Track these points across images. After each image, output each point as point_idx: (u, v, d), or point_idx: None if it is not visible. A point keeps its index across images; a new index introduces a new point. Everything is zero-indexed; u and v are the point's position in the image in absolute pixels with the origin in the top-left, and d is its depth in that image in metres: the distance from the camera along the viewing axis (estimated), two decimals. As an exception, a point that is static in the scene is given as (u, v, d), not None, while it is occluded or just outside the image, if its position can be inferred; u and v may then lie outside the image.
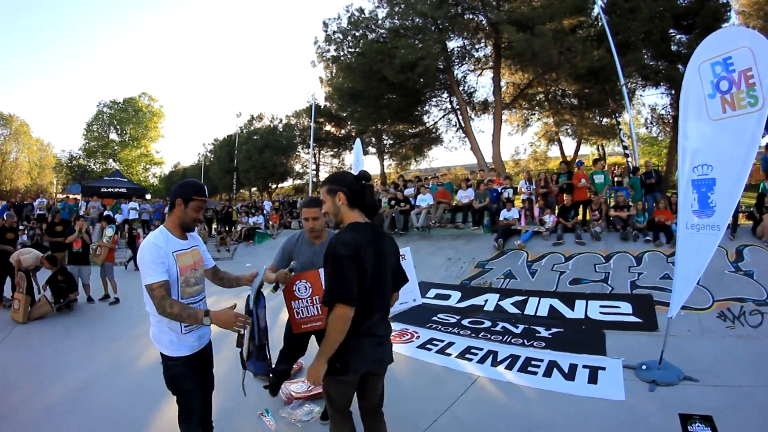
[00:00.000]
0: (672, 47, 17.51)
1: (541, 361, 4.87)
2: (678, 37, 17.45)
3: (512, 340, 5.66)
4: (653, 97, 27.78)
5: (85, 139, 45.44)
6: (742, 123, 3.92)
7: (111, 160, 44.97)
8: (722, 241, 7.44)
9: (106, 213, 15.07)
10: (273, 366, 2.71)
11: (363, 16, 20.38)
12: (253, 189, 37.15)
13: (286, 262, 3.22)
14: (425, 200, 11.70)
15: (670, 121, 20.14)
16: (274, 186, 35.67)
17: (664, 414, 3.59)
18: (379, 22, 20.37)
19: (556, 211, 10.03)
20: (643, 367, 4.46)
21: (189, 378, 2.60)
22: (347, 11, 20.57)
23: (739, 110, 3.94)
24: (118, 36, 75.08)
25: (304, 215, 3.23)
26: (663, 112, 20.96)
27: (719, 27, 17.08)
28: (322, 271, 2.77)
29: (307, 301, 3.19)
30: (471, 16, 19.28)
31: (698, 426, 3.35)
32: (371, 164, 28.83)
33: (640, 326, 5.98)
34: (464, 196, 11.58)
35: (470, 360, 4.97)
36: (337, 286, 2.08)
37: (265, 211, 18.25)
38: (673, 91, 18.52)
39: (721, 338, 5.40)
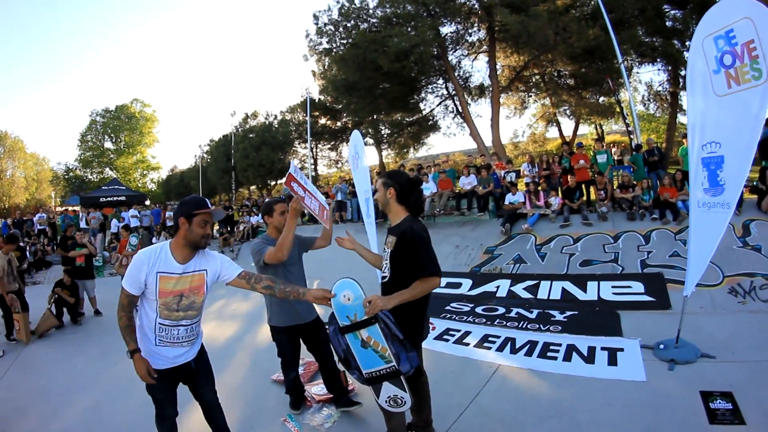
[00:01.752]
0: (667, 23, 17.34)
1: (560, 345, 4.87)
2: (672, 12, 17.26)
3: (528, 326, 5.65)
4: (650, 74, 27.53)
5: (79, 149, 45.26)
6: (747, 97, 3.81)
7: (108, 169, 44.82)
8: (729, 216, 7.49)
9: (124, 223, 15.03)
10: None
11: (354, 6, 20.12)
12: (253, 187, 37.01)
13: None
14: (428, 189, 11.60)
15: (668, 98, 20.02)
16: (273, 183, 35.50)
17: (686, 392, 3.61)
18: (371, 11, 20.13)
19: (560, 193, 10.00)
20: (661, 346, 4.46)
21: (159, 389, 2.59)
22: (338, 2, 20.29)
23: (744, 84, 3.83)
24: (105, 43, 74.37)
25: (281, 210, 3.48)
26: (660, 88, 20.81)
27: (714, 2, 16.93)
28: (291, 170, 3.42)
29: (308, 197, 3.58)
30: (463, 1, 19.06)
31: (720, 402, 3.36)
32: (369, 154, 28.72)
33: (653, 305, 5.98)
34: (467, 182, 11.51)
35: (489, 348, 4.96)
36: (432, 262, 2.59)
37: (263, 216, 18.16)
38: (669, 67, 18.39)
39: (733, 314, 5.41)
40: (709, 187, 4.28)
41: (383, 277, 2.79)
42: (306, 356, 4.83)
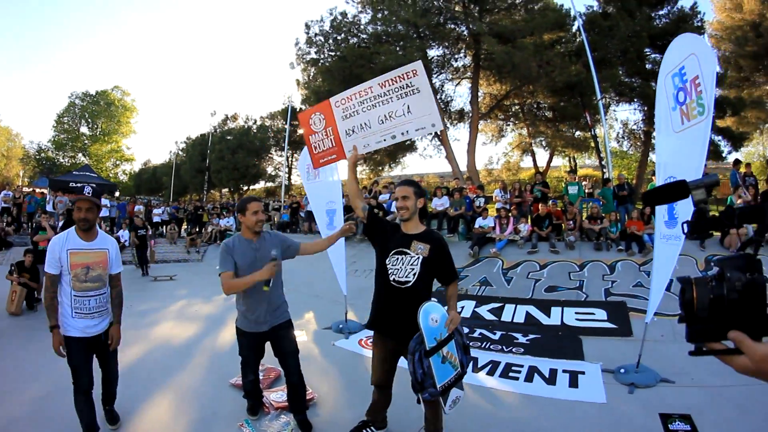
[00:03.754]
0: (647, 65, 18.20)
1: (522, 366, 4.90)
2: (653, 56, 18.13)
3: (491, 347, 5.67)
4: (626, 113, 28.68)
5: (55, 131, 43.45)
6: (695, 133, 3.93)
7: (81, 154, 43.13)
8: (693, 251, 7.75)
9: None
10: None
11: (346, 20, 20.33)
12: (225, 190, 36.51)
13: (233, 263, 3.12)
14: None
15: (641, 137, 20.84)
16: (245, 188, 35.12)
17: (646, 414, 3.69)
18: (362, 27, 20.37)
19: (530, 221, 10.18)
20: (622, 370, 4.55)
21: (74, 356, 3.04)
22: (330, 14, 20.47)
23: (693, 120, 3.95)
24: (93, 27, 72.52)
25: (254, 209, 3.23)
26: (635, 127, 21.65)
27: None
28: (333, 100, 3.40)
29: (322, 134, 3.42)
30: (453, 26, 19.50)
31: (678, 424, 3.44)
32: (344, 169, 28.51)
33: (615, 332, 6.10)
34: (439, 203, 11.62)
35: (451, 365, 4.93)
36: (455, 268, 2.97)
37: (236, 213, 17.88)
38: (645, 108, 19.19)
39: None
40: (668, 220, 4.46)
41: (402, 282, 2.79)
42: (266, 362, 4.73)
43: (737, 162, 11.07)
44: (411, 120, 3.12)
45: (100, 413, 3.34)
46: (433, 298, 2.78)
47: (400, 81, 3.14)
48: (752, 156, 24.67)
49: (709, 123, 3.77)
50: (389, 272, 2.83)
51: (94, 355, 3.23)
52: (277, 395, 3.94)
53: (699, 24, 18.45)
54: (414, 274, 2.76)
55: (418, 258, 2.78)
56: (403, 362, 2.86)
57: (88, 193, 3.10)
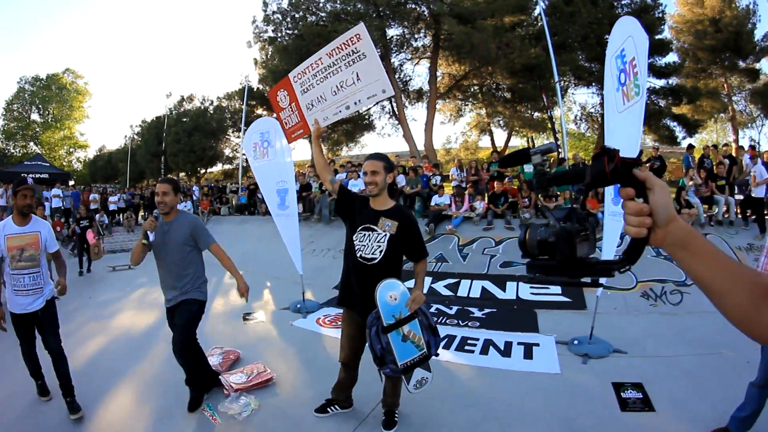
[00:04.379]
0: (606, 52, 18.61)
1: (477, 339, 5.02)
2: (613, 41, 18.61)
3: (447, 321, 5.78)
4: (584, 96, 29.38)
5: (4, 119, 40.34)
6: (633, 112, 4.07)
7: (32, 143, 40.36)
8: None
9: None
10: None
11: (304, -3, 19.86)
12: (182, 174, 35.38)
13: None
14: (356, 185, 11.60)
15: (599, 119, 21.47)
16: (203, 171, 34.13)
17: (599, 383, 3.85)
18: (320, 5, 19.95)
19: (486, 198, 10.36)
20: (575, 342, 4.73)
21: (18, 329, 3.49)
22: (289, -9, 19.97)
23: (631, 101, 4.09)
24: (44, 8, 67.44)
25: (158, 189, 3.41)
26: (592, 110, 22.26)
27: (652, 39, 18.56)
28: (291, 75, 3.49)
29: (288, 110, 3.52)
30: (413, 6, 19.36)
31: (630, 392, 3.62)
32: (301, 149, 28.17)
33: (569, 305, 6.32)
34: (396, 182, 11.64)
35: (408, 340, 5.01)
36: (425, 245, 2.97)
37: (194, 197, 17.39)
38: (603, 92, 19.66)
39: (645, 315, 5.87)
40: (615, 197, 4.65)
41: (368, 259, 2.76)
42: (225, 345, 4.69)
43: (690, 147, 11.61)
44: (361, 88, 3.11)
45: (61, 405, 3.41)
46: (395, 279, 2.77)
47: (346, 48, 3.11)
48: (706, 142, 25.92)
49: (643, 103, 3.90)
50: (356, 248, 2.81)
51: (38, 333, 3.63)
52: (236, 377, 3.91)
53: (660, 15, 19.08)
54: (380, 251, 2.74)
55: (385, 235, 2.75)
56: None
57: (30, 182, 3.51)
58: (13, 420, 3.50)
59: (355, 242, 2.83)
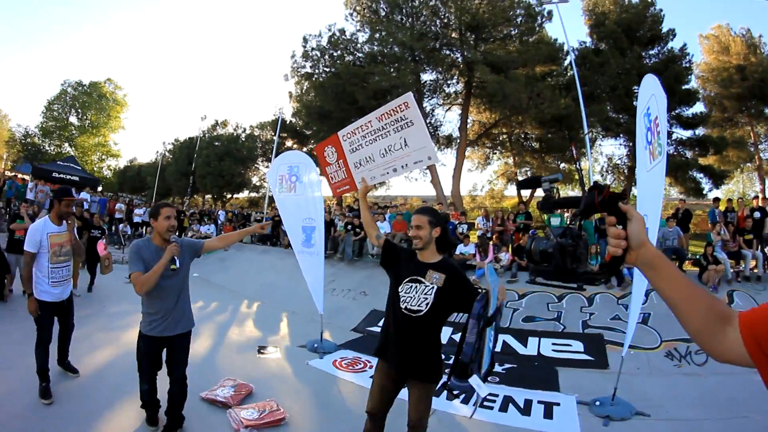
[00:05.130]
0: (634, 102, 18.68)
1: (497, 396, 4.85)
2: (641, 93, 18.72)
3: (466, 374, 5.60)
4: (611, 147, 29.31)
5: (44, 117, 42.02)
6: (657, 172, 4.07)
7: (67, 144, 41.75)
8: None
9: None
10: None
11: (344, 37, 20.57)
12: (208, 196, 36.07)
13: (143, 264, 3.10)
14: (382, 228, 11.60)
15: (626, 171, 21.30)
16: (229, 195, 34.78)
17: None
18: (359, 45, 20.64)
19: (511, 250, 10.22)
20: (597, 403, 4.55)
21: (44, 316, 3.97)
22: (329, 30, 20.72)
23: (656, 160, 4.08)
24: (92, 16, 70.68)
25: (166, 214, 3.23)
26: (619, 162, 22.15)
27: (680, 88, 18.66)
28: (340, 134, 3.58)
29: (335, 165, 3.62)
30: (448, 52, 19.89)
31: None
32: (327, 186, 28.32)
33: (591, 364, 6.10)
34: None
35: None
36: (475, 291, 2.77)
37: (219, 221, 17.65)
38: (630, 143, 19.68)
39: (668, 376, 5.62)
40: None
41: (413, 311, 2.69)
42: (239, 378, 4.61)
43: (716, 200, 11.40)
44: (409, 153, 3.20)
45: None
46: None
47: (395, 114, 3.21)
48: (732, 193, 25.45)
49: (665, 162, 3.93)
50: (401, 299, 2.75)
51: (58, 318, 4.21)
52: (247, 413, 3.82)
53: (687, 65, 19.18)
54: (427, 304, 2.66)
55: (433, 288, 2.68)
56: (402, 393, 2.79)
57: (77, 196, 3.57)
58: (10, 418, 3.48)
59: (400, 293, 2.76)
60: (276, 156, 25.93)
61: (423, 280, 2.73)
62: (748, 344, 0.86)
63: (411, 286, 2.74)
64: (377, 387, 2.86)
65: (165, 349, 3.36)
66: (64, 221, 4.12)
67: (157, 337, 3.25)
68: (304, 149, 29.24)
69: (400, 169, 3.30)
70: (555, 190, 1.39)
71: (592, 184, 1.14)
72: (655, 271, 1.03)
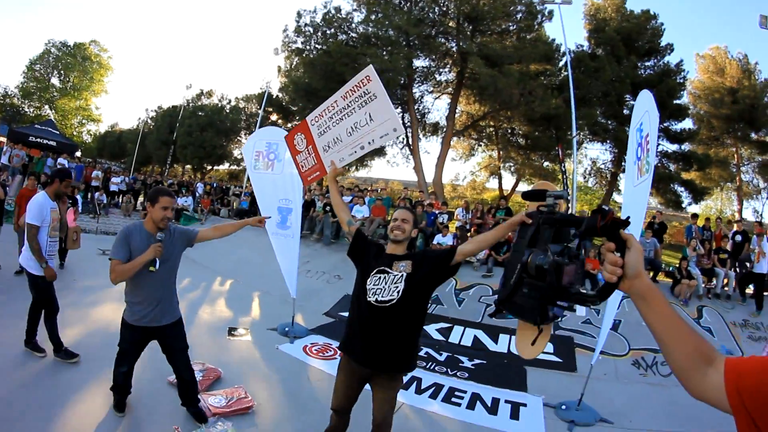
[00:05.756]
0: (624, 111, 18.97)
1: (465, 392, 4.88)
2: (632, 103, 18.88)
3: (436, 368, 5.64)
4: (597, 152, 29.65)
5: (24, 77, 40.21)
6: (643, 188, 4.10)
7: (47, 107, 40.22)
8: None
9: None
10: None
11: (339, 15, 20.14)
12: (188, 166, 35.40)
13: (128, 252, 3.03)
14: (361, 212, 11.46)
15: (608, 176, 21.60)
16: (209, 167, 34.20)
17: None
18: (353, 25, 20.24)
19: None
20: (563, 407, 4.62)
21: (49, 285, 4.17)
22: (325, 7, 20.28)
23: (642, 176, 4.11)
24: None
25: (164, 203, 3.11)
26: (603, 166, 22.43)
27: (671, 103, 18.95)
28: (309, 118, 3.52)
29: (305, 153, 3.59)
30: (443, 41, 19.67)
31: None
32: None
33: (560, 366, 6.19)
34: (398, 214, 11.54)
35: (394, 385, 4.86)
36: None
37: (197, 194, 17.31)
38: (616, 150, 19.93)
39: (634, 384, 5.76)
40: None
41: (384, 302, 2.62)
42: (207, 362, 4.52)
43: (694, 216, 11.62)
44: (374, 128, 3.15)
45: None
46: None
47: (358, 90, 3.17)
48: (710, 209, 26.10)
49: (650, 180, 3.93)
50: (370, 292, 2.68)
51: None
52: (215, 399, 3.76)
53: (681, 81, 19.45)
54: (398, 292, 2.61)
55: (402, 275, 2.65)
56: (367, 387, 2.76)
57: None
58: None
59: (368, 286, 2.70)
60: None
61: (390, 270, 2.69)
62: (730, 393, 0.86)
63: (379, 278, 2.70)
64: (341, 384, 2.83)
65: (157, 340, 3.29)
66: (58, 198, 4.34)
67: (145, 327, 3.17)
68: (289, 125, 28.86)
69: (367, 145, 3.25)
70: (557, 207, 1.39)
71: (597, 207, 1.12)
72: (646, 303, 1.04)
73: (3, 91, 38.83)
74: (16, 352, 4.20)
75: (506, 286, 1.37)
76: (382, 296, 2.64)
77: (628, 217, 1.11)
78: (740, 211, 22.10)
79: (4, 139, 18.55)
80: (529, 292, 1.33)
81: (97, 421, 3.31)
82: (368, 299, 2.66)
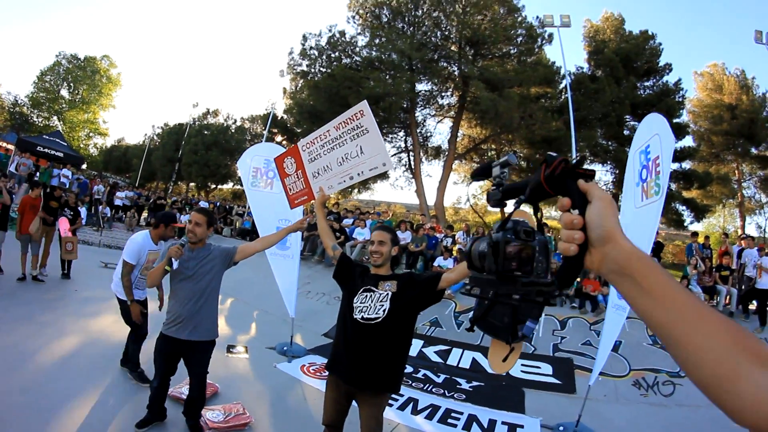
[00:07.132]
0: (624, 131, 19.14)
1: (461, 414, 4.87)
2: (632, 123, 19.12)
3: (433, 389, 5.63)
4: (598, 173, 29.69)
5: (34, 87, 40.73)
6: (650, 211, 4.03)
7: (56, 118, 40.65)
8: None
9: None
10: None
11: (343, 39, 20.58)
12: (192, 184, 35.62)
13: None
14: (362, 234, 11.54)
15: (608, 198, 21.71)
16: (213, 186, 34.41)
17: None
18: (357, 49, 20.66)
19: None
20: (561, 428, 4.59)
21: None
22: (330, 30, 20.73)
23: (649, 198, 4.06)
24: None
25: (193, 218, 3.34)
26: (604, 187, 22.45)
27: (671, 122, 19.08)
28: (300, 144, 3.56)
29: (294, 176, 3.62)
30: (445, 65, 20.03)
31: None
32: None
33: (558, 387, 6.17)
34: (401, 237, 11.56)
35: (390, 405, 4.81)
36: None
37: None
38: (617, 171, 20.06)
39: (634, 404, 5.72)
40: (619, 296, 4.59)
41: (370, 319, 2.67)
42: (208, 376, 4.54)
43: (694, 234, 11.63)
44: (364, 161, 3.23)
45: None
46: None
47: (351, 123, 3.26)
48: (712, 227, 26.02)
49: (662, 203, 3.88)
50: (356, 309, 2.74)
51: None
52: (213, 414, 3.79)
53: (680, 99, 19.67)
54: (384, 310, 2.66)
55: (387, 294, 2.71)
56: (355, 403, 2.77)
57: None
58: None
59: (355, 304, 2.77)
60: (264, 151, 25.77)
61: (376, 289, 2.75)
62: None
63: (366, 296, 2.75)
64: (329, 400, 2.87)
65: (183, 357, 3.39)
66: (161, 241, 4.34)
67: (171, 337, 3.27)
68: (291, 145, 29.10)
69: (356, 176, 3.34)
70: (507, 176, 1.03)
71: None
72: (632, 280, 0.66)
73: (14, 100, 39.37)
74: (16, 356, 4.26)
75: (480, 306, 1.24)
76: (368, 314, 2.69)
77: (584, 159, 0.86)
78: (743, 227, 22.05)
79: (12, 147, 18.76)
80: (503, 309, 1.11)
81: (93, 429, 3.35)
82: (354, 316, 2.71)
